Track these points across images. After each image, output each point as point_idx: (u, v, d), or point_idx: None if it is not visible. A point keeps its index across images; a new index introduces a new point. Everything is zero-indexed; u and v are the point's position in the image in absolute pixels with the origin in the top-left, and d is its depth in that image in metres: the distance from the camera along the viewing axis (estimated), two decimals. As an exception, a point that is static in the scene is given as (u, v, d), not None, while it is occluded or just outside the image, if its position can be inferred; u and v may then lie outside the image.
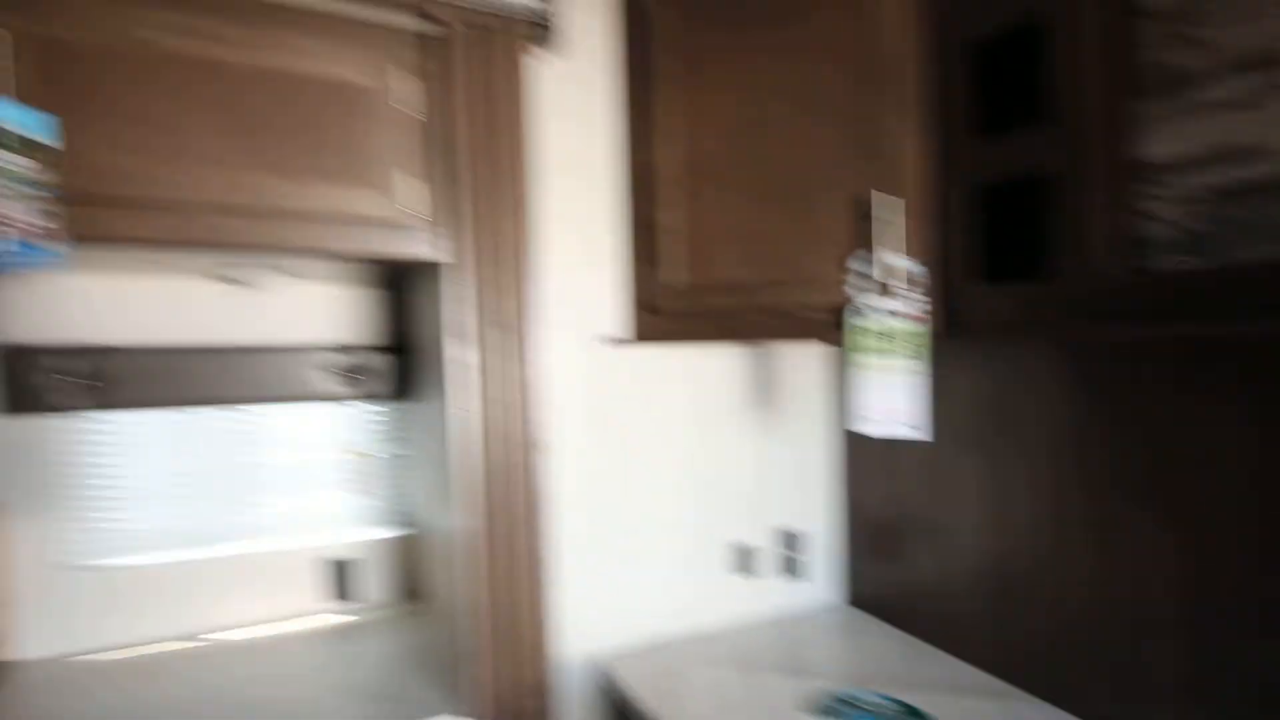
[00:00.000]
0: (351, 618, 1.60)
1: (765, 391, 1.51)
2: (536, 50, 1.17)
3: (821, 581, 1.61)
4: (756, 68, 1.18)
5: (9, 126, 0.90)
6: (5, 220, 0.91)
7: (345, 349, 1.58)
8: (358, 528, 1.69)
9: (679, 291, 1.29)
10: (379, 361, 1.61)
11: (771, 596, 1.55)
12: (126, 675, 1.31)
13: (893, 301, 1.05)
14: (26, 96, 0.92)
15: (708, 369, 1.45)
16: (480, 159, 1.10)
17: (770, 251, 1.18)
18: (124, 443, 1.48)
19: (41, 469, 1.41)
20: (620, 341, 1.32)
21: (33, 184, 0.92)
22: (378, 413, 1.70)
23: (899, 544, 1.51)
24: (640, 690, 1.23)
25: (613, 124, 1.31)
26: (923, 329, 1.07)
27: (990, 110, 1.03)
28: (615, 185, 1.32)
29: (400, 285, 1.65)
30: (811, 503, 1.58)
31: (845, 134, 1.09)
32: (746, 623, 1.53)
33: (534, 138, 1.17)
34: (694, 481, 1.43)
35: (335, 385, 1.57)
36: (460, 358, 1.11)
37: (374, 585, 1.69)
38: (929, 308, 1.08)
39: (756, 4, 1.17)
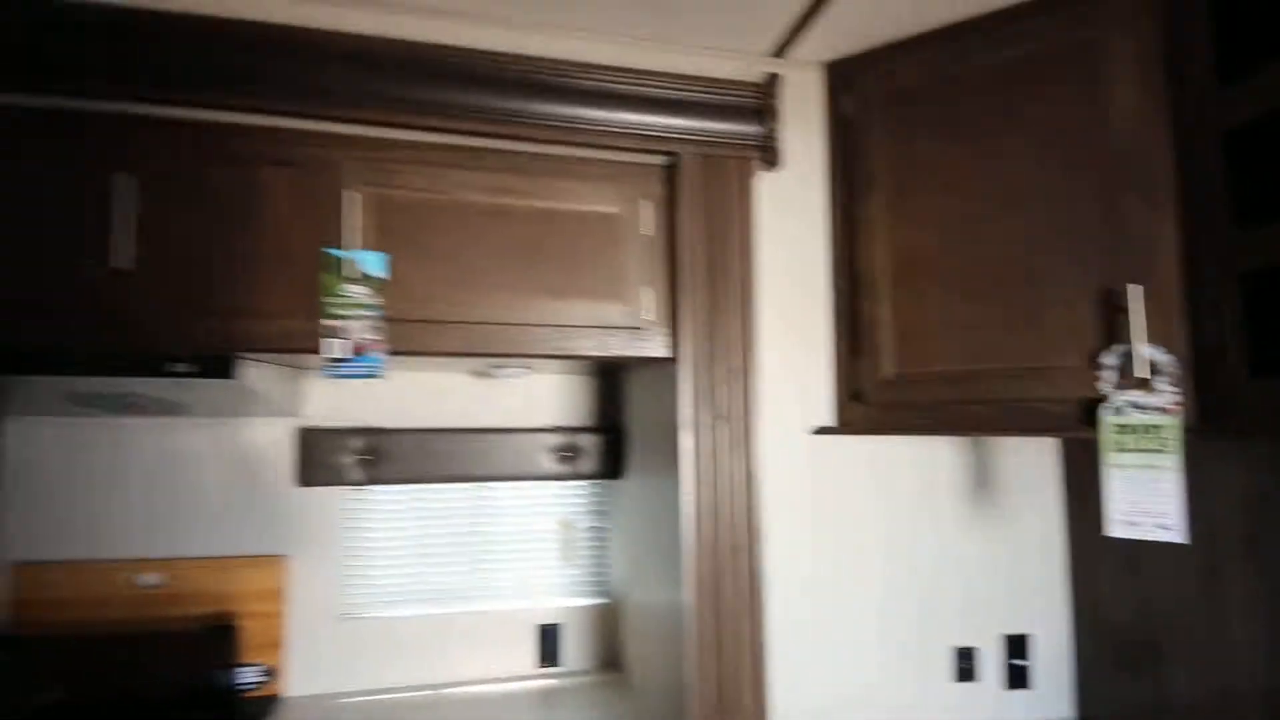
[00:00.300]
0: (556, 682, 1.70)
1: (987, 485, 1.45)
2: (756, 167, 1.29)
3: (1050, 693, 1.47)
4: (969, 170, 1.22)
5: (360, 266, 1.15)
6: (348, 335, 1.15)
7: (563, 430, 1.75)
8: (564, 596, 1.81)
9: (888, 383, 1.31)
10: (590, 442, 1.76)
11: (994, 706, 1.44)
12: (374, 715, 1.48)
13: (1147, 395, 1.00)
14: (367, 240, 1.17)
15: (925, 461, 1.44)
16: (706, 266, 1.22)
17: (992, 344, 1.18)
18: (384, 512, 1.74)
19: (319, 531, 1.68)
20: (831, 431, 1.36)
21: (367, 307, 1.16)
22: (586, 490, 1.84)
23: (1147, 657, 1.35)
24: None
25: (826, 227, 1.39)
26: (1176, 422, 1.01)
27: (1249, 197, 0.99)
28: (827, 284, 1.39)
29: (612, 375, 1.81)
30: (1039, 605, 1.47)
31: (1080, 226, 1.09)
32: (964, 732, 1.43)
33: (753, 243, 1.28)
34: (913, 577, 1.39)
35: (554, 464, 1.73)
36: (686, 444, 1.21)
37: (577, 651, 1.79)
38: (1181, 400, 1.02)
39: (966, 113, 1.22)
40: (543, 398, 1.80)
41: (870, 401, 1.33)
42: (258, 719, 1.49)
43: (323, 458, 1.64)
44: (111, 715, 1.46)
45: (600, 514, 1.84)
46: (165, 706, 1.50)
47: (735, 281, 1.22)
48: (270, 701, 1.58)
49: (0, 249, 1.10)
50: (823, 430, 1.35)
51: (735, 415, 1.20)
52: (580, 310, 1.21)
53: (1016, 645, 1.45)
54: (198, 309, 1.13)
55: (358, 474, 1.64)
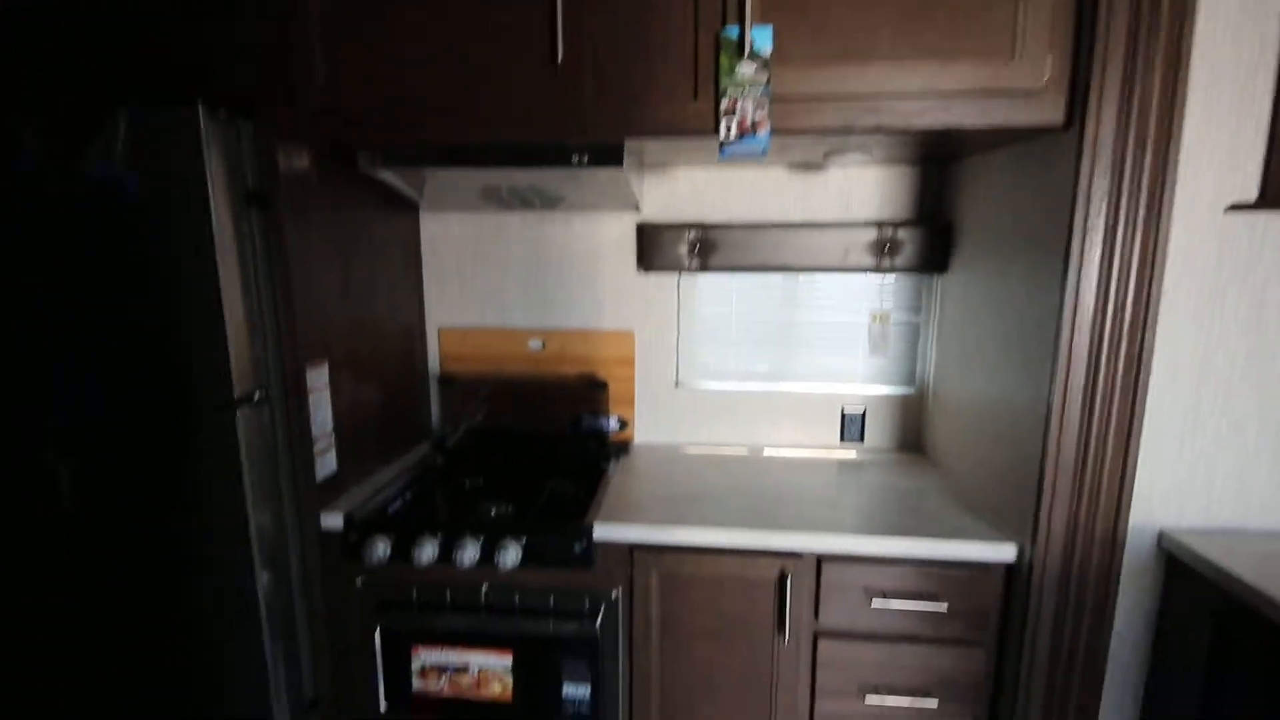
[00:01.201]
0: (858, 455, 1.88)
1: None
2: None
3: None
4: None
5: (751, 43, 1.19)
6: (739, 114, 1.22)
7: (881, 224, 1.75)
8: (870, 384, 1.93)
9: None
10: (910, 236, 1.74)
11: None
12: (702, 464, 1.78)
13: None
14: (755, 16, 1.19)
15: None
16: (1129, 11, 1.07)
17: None
18: (712, 296, 1.93)
19: (658, 311, 1.94)
20: (1252, 208, 1.20)
21: (757, 85, 1.21)
22: (901, 283, 1.86)
23: None
24: (1238, 568, 1.21)
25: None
26: None
27: None
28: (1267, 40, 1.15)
29: (940, 163, 1.73)
30: None
31: None
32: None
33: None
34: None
35: (870, 257, 1.76)
36: (1077, 225, 1.15)
37: (878, 433, 1.94)
38: None
39: None
40: (859, 192, 1.80)
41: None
42: (619, 455, 1.87)
43: (660, 248, 1.84)
44: (516, 439, 1.94)
45: (914, 308, 1.87)
46: (554, 439, 1.94)
47: (1162, 30, 1.06)
48: (626, 445, 1.96)
49: (444, 52, 1.30)
50: (1240, 207, 1.19)
51: (1142, 191, 1.10)
52: (965, 73, 1.15)
53: None
54: (612, 98, 1.27)
55: (689, 262, 1.82)
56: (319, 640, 1.49)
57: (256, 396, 1.33)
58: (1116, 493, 1.24)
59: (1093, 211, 1.13)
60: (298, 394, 1.38)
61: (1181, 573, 1.36)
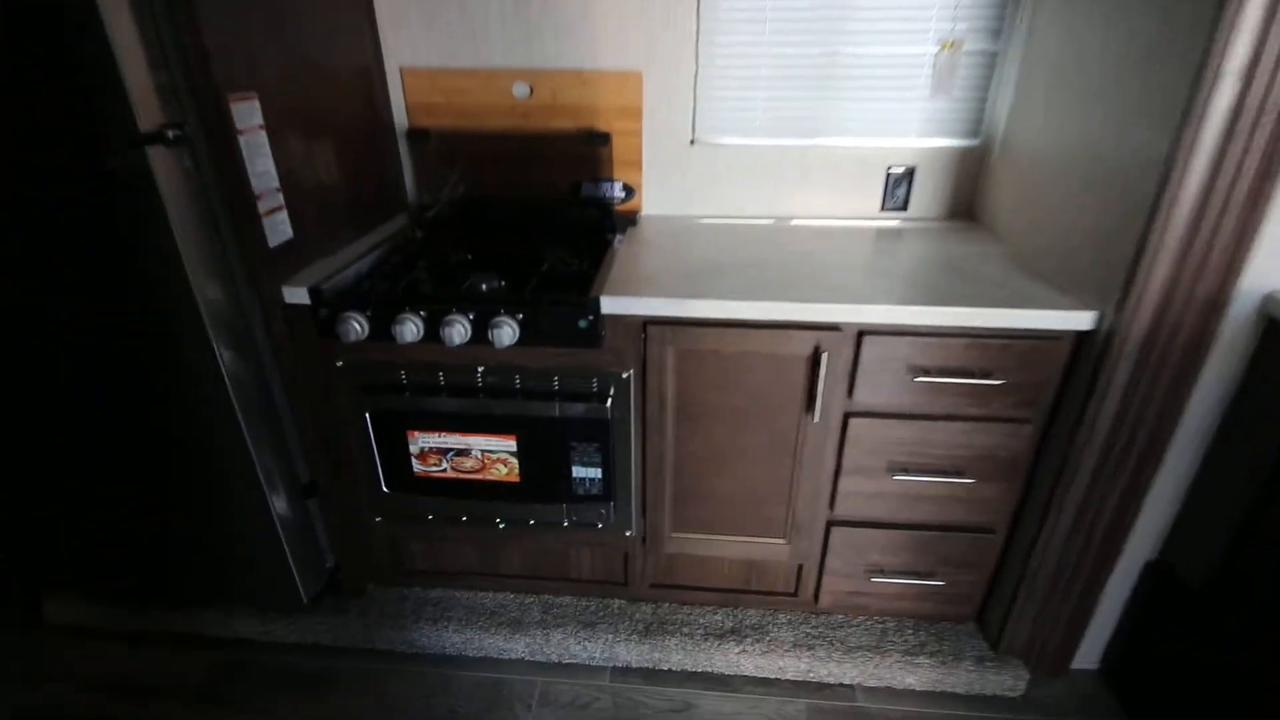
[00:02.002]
0: (901, 223, 1.64)
1: None
2: None
3: None
4: None
5: None
6: None
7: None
8: (923, 136, 1.62)
9: None
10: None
11: None
12: (721, 235, 1.54)
13: None
14: None
15: None
16: None
17: None
18: (738, 25, 1.54)
19: (672, 48, 1.56)
20: None
21: None
22: (980, 3, 1.46)
23: None
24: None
25: None
26: None
27: None
28: None
29: None
30: None
31: None
32: None
33: None
34: None
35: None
36: None
37: (926, 199, 1.67)
38: None
39: None
40: None
41: None
42: (626, 228, 1.62)
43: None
44: (506, 210, 1.67)
45: (992, 33, 1.50)
46: (549, 209, 1.68)
47: None
48: (633, 216, 1.70)
49: None
50: None
51: None
52: None
53: None
54: None
55: (713, -29, 1.41)
56: (305, 425, 1.37)
57: (171, 135, 1.05)
58: (1230, 254, 1.02)
59: None
60: (222, 131, 1.09)
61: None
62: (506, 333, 1.19)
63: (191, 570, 1.47)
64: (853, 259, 1.39)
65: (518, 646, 1.48)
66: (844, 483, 1.34)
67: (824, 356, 1.20)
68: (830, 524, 1.41)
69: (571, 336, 1.22)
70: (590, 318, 1.21)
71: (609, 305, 1.20)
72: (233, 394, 1.22)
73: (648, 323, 1.23)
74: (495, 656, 1.50)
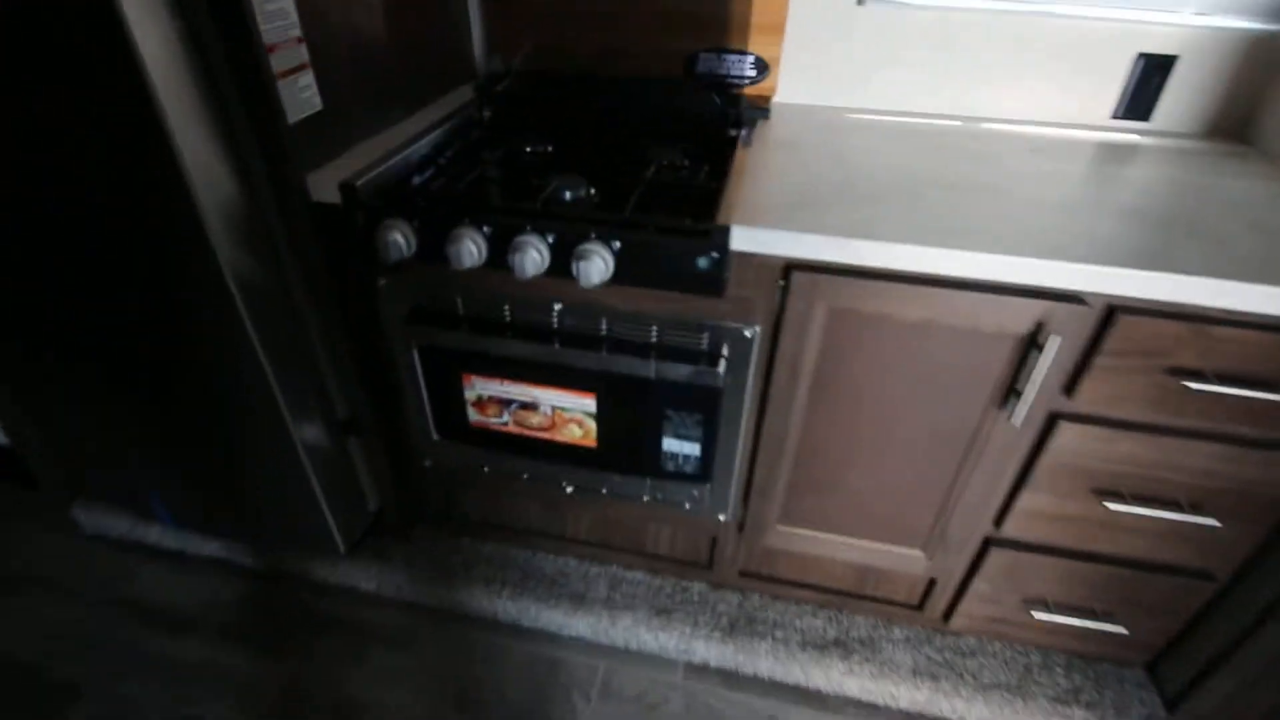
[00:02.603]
0: (1139, 139, 1.17)
1: None
2: None
3: None
4: None
5: None
6: None
7: None
8: (1199, 13, 1.11)
9: None
10: None
11: None
12: (888, 138, 1.13)
13: None
14: None
15: None
16: None
17: None
18: None
19: None
20: None
21: None
22: None
23: None
24: None
25: None
26: None
27: None
28: None
29: None
30: None
31: None
32: None
33: None
34: None
35: None
36: None
37: (1181, 106, 1.19)
38: None
39: None
40: None
41: None
42: (755, 120, 1.21)
43: None
44: (597, 88, 1.29)
45: None
46: (654, 89, 1.28)
47: None
48: (765, 104, 1.28)
49: None
50: None
51: None
52: None
53: None
54: None
55: None
56: (339, 354, 1.12)
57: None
58: None
59: None
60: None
61: None
62: (596, 266, 0.86)
63: (219, 501, 1.29)
64: (1088, 191, 0.97)
65: (579, 625, 1.27)
66: (1024, 499, 1.00)
67: (1051, 338, 0.82)
68: (989, 542, 1.09)
69: (684, 278, 0.89)
70: (714, 255, 0.86)
71: (741, 239, 0.84)
72: (243, 309, 0.96)
73: (792, 267, 0.87)
74: (554, 632, 1.29)
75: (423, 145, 1.08)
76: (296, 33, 0.88)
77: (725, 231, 0.84)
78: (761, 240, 0.84)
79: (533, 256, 0.88)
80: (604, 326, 0.98)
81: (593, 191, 0.99)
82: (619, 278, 0.89)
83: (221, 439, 1.16)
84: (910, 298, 0.85)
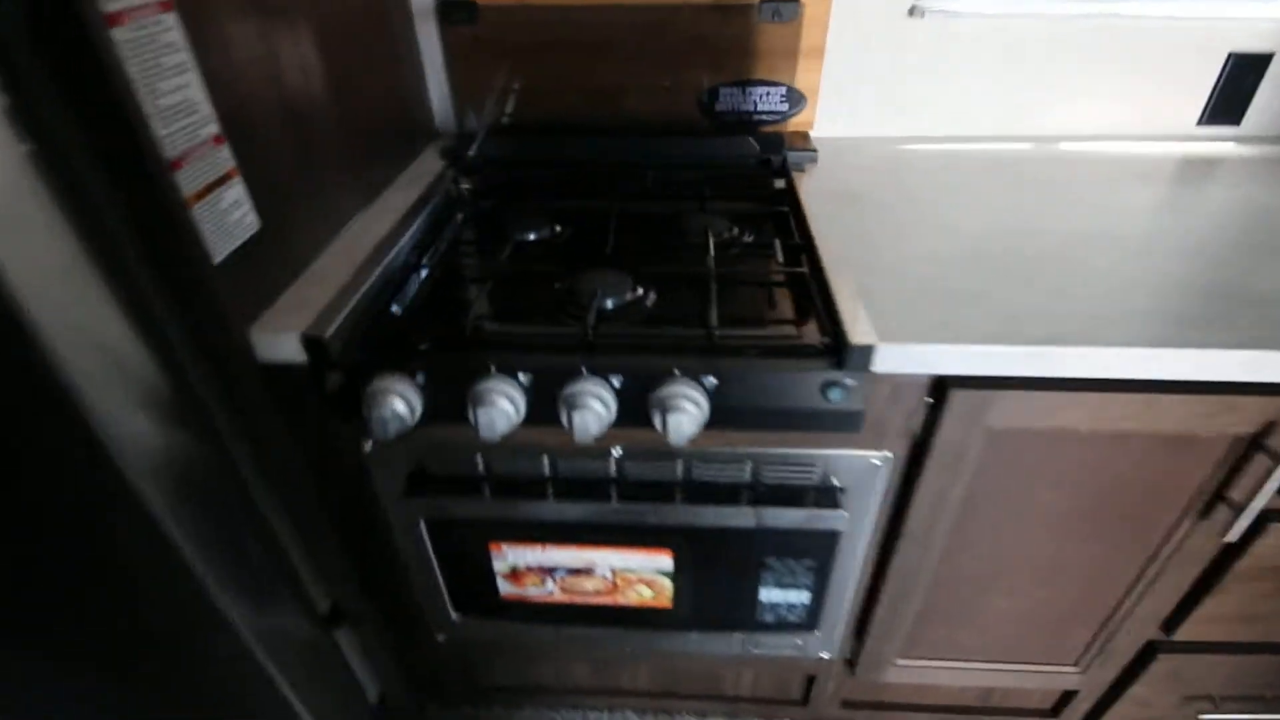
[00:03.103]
0: (1232, 148, 1.02)
1: None
2: None
3: None
4: None
5: None
6: None
7: None
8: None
9: None
10: None
11: None
12: (952, 168, 0.94)
13: None
14: None
15: None
16: None
17: None
18: None
19: None
20: None
21: None
22: None
23: None
24: None
25: None
26: None
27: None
28: None
29: None
30: None
31: None
32: None
33: None
34: None
35: None
36: None
37: (1276, 103, 1.04)
38: None
39: None
40: None
41: None
42: (800, 163, 0.99)
43: None
44: (598, 138, 1.04)
45: None
46: (672, 127, 1.04)
47: None
48: (807, 149, 1.06)
49: None
50: None
51: None
52: None
53: None
54: None
55: None
56: (314, 541, 0.83)
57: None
58: None
59: None
60: (68, 21, 0.46)
61: None
62: (690, 415, 0.62)
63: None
64: (1240, 231, 0.79)
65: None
66: (1209, 604, 0.82)
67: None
68: (1154, 646, 0.90)
69: (802, 414, 0.65)
70: (849, 383, 0.63)
71: (888, 359, 0.62)
72: (157, 509, 0.66)
73: (948, 383, 0.65)
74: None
75: (401, 249, 0.80)
76: (213, 129, 0.59)
77: (867, 352, 0.61)
78: (914, 356, 0.62)
79: (596, 411, 0.62)
80: (680, 470, 0.73)
81: (640, 292, 0.74)
82: (714, 422, 0.65)
83: (162, 664, 0.85)
84: (1107, 406, 0.64)
